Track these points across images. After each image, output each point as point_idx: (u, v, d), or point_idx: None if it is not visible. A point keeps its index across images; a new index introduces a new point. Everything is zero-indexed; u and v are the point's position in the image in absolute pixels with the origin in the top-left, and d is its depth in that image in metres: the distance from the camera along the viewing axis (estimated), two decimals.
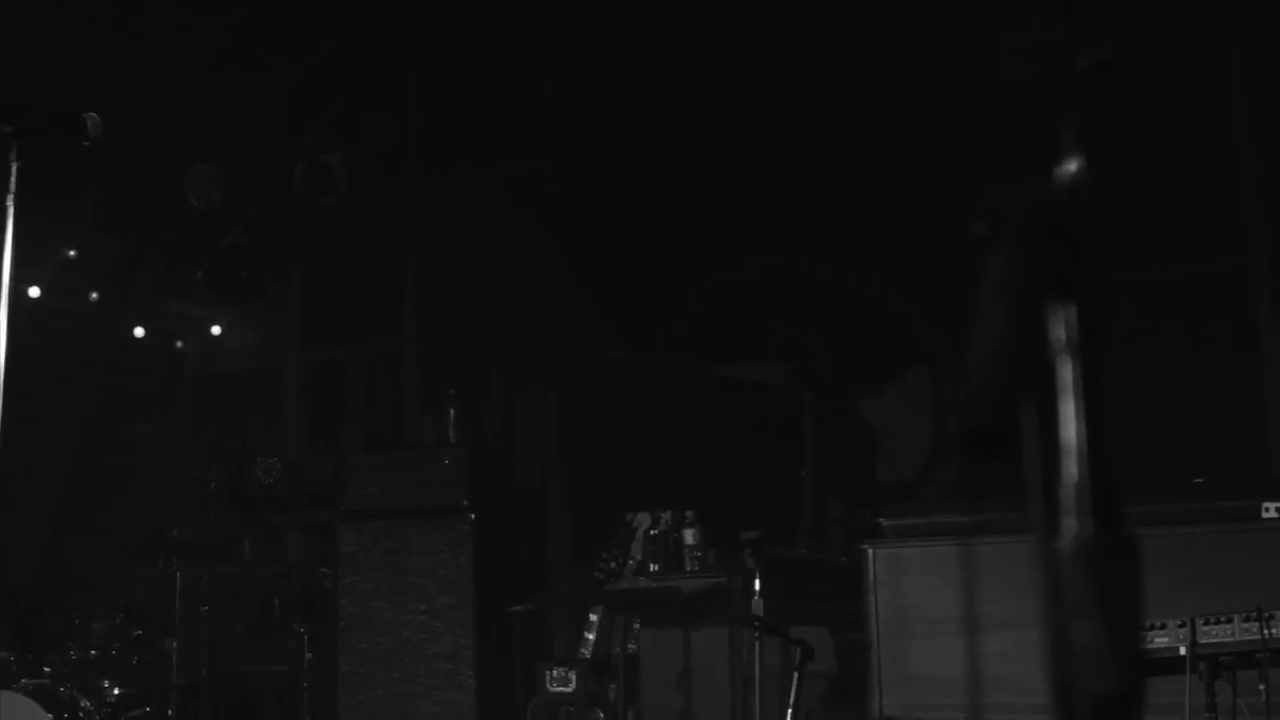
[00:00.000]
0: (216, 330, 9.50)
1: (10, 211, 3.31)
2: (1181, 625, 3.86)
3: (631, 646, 6.20)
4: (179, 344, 9.73)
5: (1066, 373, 1.04)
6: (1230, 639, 3.84)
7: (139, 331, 9.12)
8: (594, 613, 6.25)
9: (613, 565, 6.16)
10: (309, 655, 7.36)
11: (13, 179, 3.38)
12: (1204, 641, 3.84)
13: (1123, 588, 1.03)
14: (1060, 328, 1.04)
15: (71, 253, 8.40)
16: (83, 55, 7.71)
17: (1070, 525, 1.02)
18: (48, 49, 7.55)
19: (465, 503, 7.41)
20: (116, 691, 6.56)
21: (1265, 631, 3.77)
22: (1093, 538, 1.02)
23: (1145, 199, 6.96)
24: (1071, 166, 1.10)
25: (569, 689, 5.94)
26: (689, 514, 6.39)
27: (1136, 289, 6.87)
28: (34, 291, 8.06)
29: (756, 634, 5.15)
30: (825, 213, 7.66)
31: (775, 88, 8.08)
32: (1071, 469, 1.02)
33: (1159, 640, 3.85)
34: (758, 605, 5.37)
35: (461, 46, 8.82)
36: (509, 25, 8.66)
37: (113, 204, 8.39)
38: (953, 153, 6.97)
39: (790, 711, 4.81)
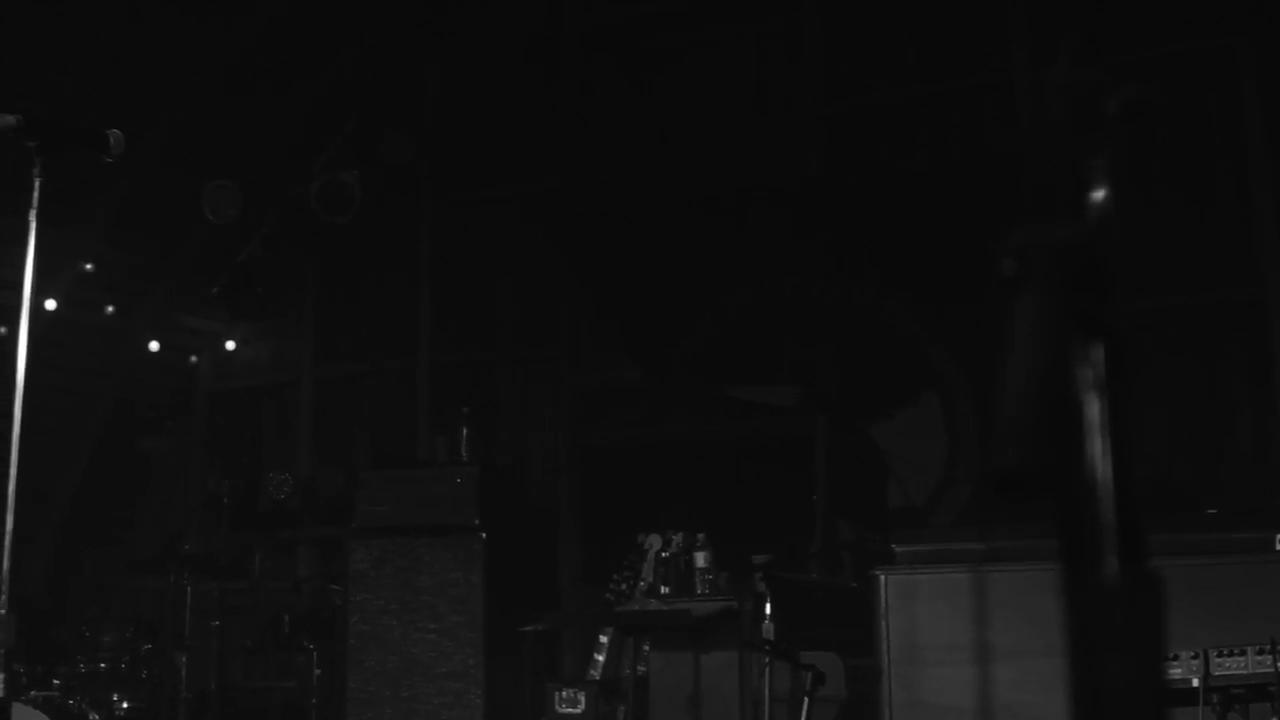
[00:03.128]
0: (231, 345, 9.53)
1: (34, 226, 3.33)
2: (1195, 657, 3.86)
3: (641, 669, 6.20)
4: (193, 358, 9.75)
5: (1094, 411, 1.04)
6: (1243, 671, 3.84)
7: (154, 345, 9.15)
8: (604, 634, 6.25)
9: (623, 586, 6.16)
10: (318, 672, 7.36)
11: (35, 194, 3.40)
12: (1217, 673, 3.84)
13: (1147, 624, 1.03)
14: (1088, 367, 1.05)
15: (88, 266, 8.44)
16: (100, 71, 7.75)
17: (1096, 563, 1.03)
18: (65, 65, 7.59)
19: (476, 521, 7.41)
20: (126, 705, 6.57)
21: (1278, 664, 3.76)
22: (1118, 575, 1.03)
23: (1160, 226, 6.95)
24: (1099, 205, 1.11)
25: (578, 710, 5.93)
26: (700, 536, 6.39)
27: (1151, 317, 6.87)
28: (50, 304, 8.09)
29: (767, 658, 5.15)
30: (839, 236, 7.68)
31: (790, 110, 8.10)
32: (1098, 507, 1.03)
33: (1172, 672, 3.85)
34: (768, 629, 5.37)
35: (478, 65, 8.86)
36: (525, 45, 8.70)
37: (129, 218, 8.44)
38: (966, 178, 6.99)
39: None
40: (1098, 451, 1.02)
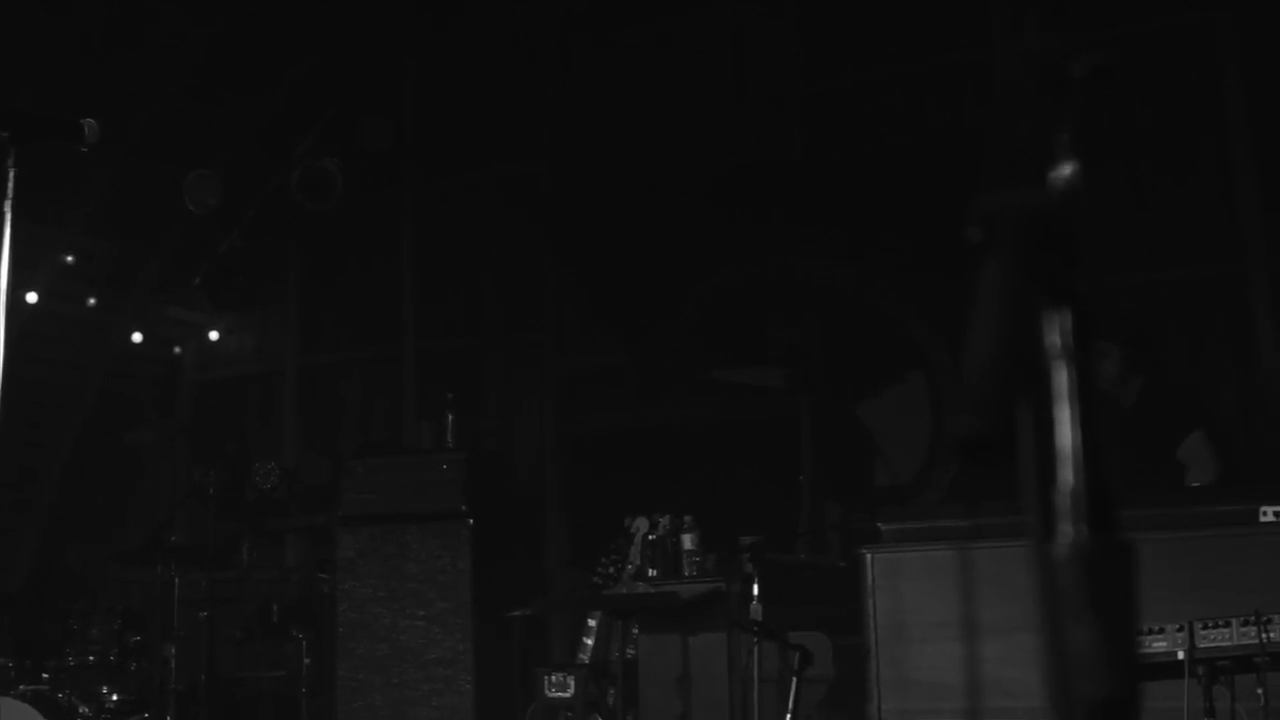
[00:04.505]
0: (214, 335, 9.50)
1: (8, 217, 3.31)
2: (1179, 630, 3.86)
3: (630, 651, 6.20)
4: (177, 349, 9.72)
5: (1061, 378, 1.04)
6: (1228, 643, 3.84)
7: (137, 337, 9.12)
8: (592, 618, 6.25)
9: (611, 570, 6.15)
10: (307, 661, 7.35)
11: (10, 185, 3.38)
12: (1202, 646, 3.84)
13: (1118, 593, 1.03)
14: (1054, 333, 1.04)
15: (69, 258, 8.40)
16: (76, 63, 7.71)
17: (1065, 530, 1.02)
18: (41, 56, 7.55)
19: (463, 507, 7.41)
20: (115, 697, 6.56)
21: (1263, 636, 3.77)
22: (1087, 543, 1.02)
23: (1141, 203, 6.96)
24: (1066, 172, 1.10)
25: (567, 694, 5.93)
26: (687, 518, 6.39)
27: (1133, 293, 6.88)
28: (31, 297, 8.05)
29: (755, 639, 5.15)
30: (820, 216, 7.67)
31: (769, 91, 8.09)
32: (1066, 474, 1.02)
33: (1157, 645, 3.85)
34: (756, 610, 5.37)
35: (458, 50, 8.83)
36: (505, 29, 8.67)
37: (109, 210, 8.40)
38: (946, 156, 6.98)
39: (789, 716, 4.82)
40: (1064, 418, 1.02)
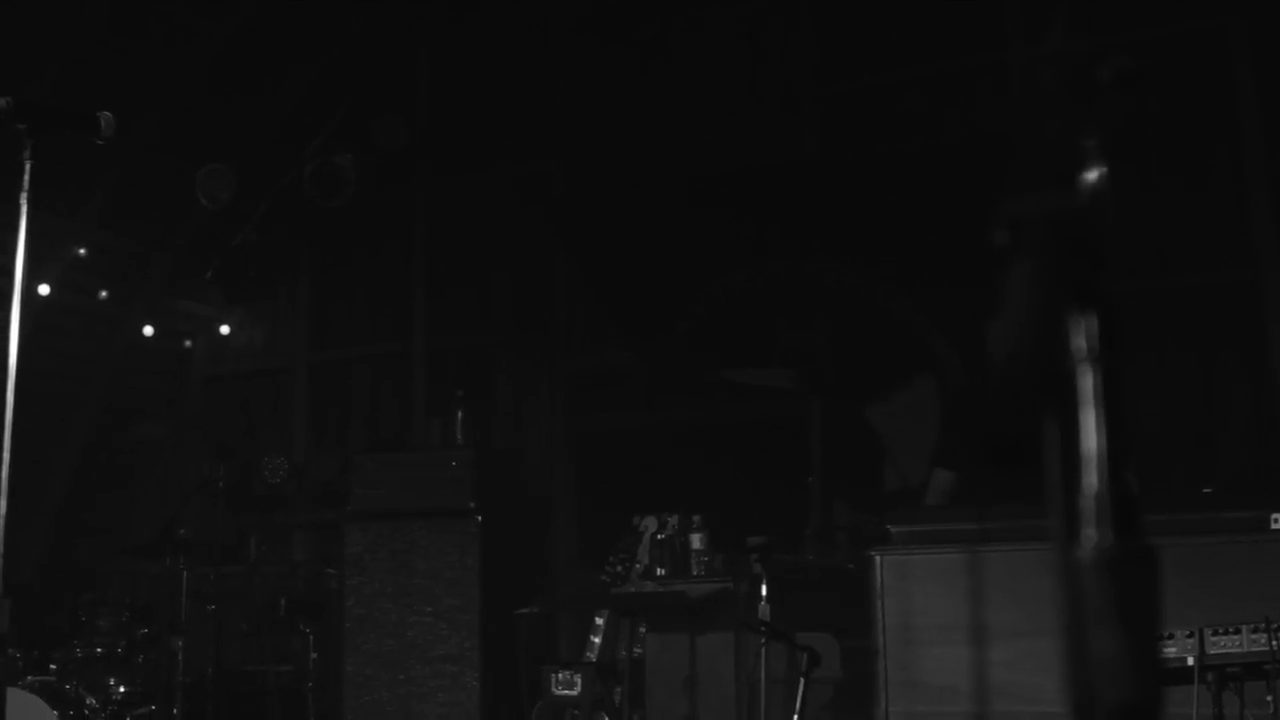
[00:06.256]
0: (225, 330, 9.51)
1: (24, 209, 3.32)
2: (1189, 636, 3.86)
3: (637, 650, 6.20)
4: (187, 343, 9.74)
5: (1087, 383, 1.04)
6: (1238, 650, 3.83)
7: (148, 330, 9.13)
8: (600, 616, 6.25)
9: (619, 569, 6.15)
10: (314, 655, 7.36)
11: (26, 177, 3.39)
12: (1212, 652, 3.84)
13: (1141, 597, 1.03)
14: (1081, 337, 1.04)
15: (81, 251, 8.42)
16: (92, 56, 7.72)
17: (1090, 535, 1.02)
18: (55, 51, 7.56)
19: (472, 505, 7.41)
20: (122, 689, 6.57)
21: (1273, 642, 3.76)
22: (1112, 547, 1.02)
23: (1155, 208, 6.94)
24: (1093, 177, 1.10)
25: (574, 692, 5.93)
26: (696, 518, 6.39)
27: (1145, 298, 6.86)
28: (43, 289, 8.07)
29: (763, 639, 5.15)
30: (833, 218, 7.66)
31: (784, 92, 8.08)
32: (1091, 479, 1.02)
33: (1167, 650, 3.85)
34: (764, 610, 5.36)
35: (471, 48, 8.83)
36: (519, 28, 8.67)
37: (123, 203, 8.41)
38: (959, 159, 6.97)
39: (796, 717, 4.81)
40: (1090, 423, 1.02)
